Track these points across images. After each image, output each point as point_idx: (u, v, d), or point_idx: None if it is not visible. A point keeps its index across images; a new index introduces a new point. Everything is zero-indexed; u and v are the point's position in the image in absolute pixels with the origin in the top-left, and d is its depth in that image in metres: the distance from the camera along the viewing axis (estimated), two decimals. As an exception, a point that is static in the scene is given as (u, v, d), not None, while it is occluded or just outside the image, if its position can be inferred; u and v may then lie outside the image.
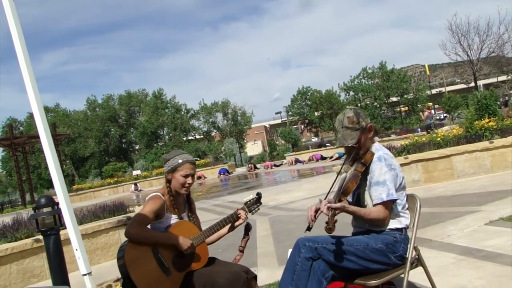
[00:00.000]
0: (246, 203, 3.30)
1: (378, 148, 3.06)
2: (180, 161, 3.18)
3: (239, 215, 3.23)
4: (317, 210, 2.86)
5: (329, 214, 2.66)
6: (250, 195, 3.33)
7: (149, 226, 3.10)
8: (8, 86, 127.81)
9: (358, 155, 3.03)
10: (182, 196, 3.28)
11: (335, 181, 3.07)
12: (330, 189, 3.07)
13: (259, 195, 3.32)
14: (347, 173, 3.01)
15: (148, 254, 2.94)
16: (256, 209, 3.31)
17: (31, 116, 54.55)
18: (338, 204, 2.73)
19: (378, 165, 2.93)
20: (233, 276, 2.93)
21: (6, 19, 2.46)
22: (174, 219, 3.17)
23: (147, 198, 3.15)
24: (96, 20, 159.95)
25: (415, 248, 2.92)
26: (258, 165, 33.96)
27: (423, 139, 11.07)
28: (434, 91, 71.75)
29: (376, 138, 3.18)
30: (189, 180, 3.19)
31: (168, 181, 3.20)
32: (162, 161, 3.27)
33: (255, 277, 3.08)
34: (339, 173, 3.06)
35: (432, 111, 28.00)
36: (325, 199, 2.94)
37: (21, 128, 61.43)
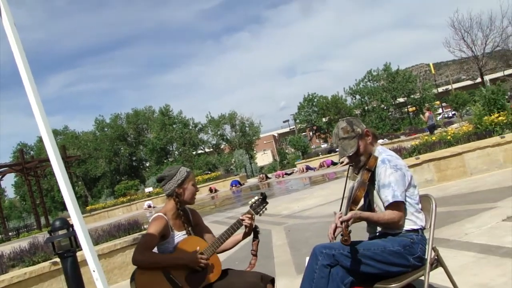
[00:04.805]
0: (251, 206, 3.23)
1: (381, 151, 3.07)
2: (186, 172, 3.22)
3: (243, 220, 3.16)
4: (336, 228, 2.90)
5: (343, 226, 2.68)
6: (255, 197, 3.27)
7: (156, 249, 3.07)
8: (16, 111, 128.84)
9: (362, 162, 3.03)
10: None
11: (344, 189, 3.07)
12: (342, 200, 3.06)
13: (263, 195, 3.27)
14: (355, 182, 3.02)
15: (159, 277, 2.91)
16: (263, 209, 3.25)
17: (40, 140, 54.96)
18: (349, 214, 2.75)
19: (382, 168, 2.95)
20: (250, 286, 2.92)
21: (9, 44, 2.47)
22: (180, 236, 3.13)
23: (150, 220, 3.12)
24: (98, 39, 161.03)
25: (434, 249, 2.89)
26: (269, 175, 33.92)
27: (433, 138, 11.01)
28: (440, 89, 71.51)
29: (380, 141, 3.18)
30: (197, 188, 3.28)
31: (177, 196, 3.16)
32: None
33: (272, 280, 3.07)
34: (346, 180, 3.07)
35: (432, 112, 27.61)
36: (340, 211, 2.97)
37: (32, 152, 61.96)
